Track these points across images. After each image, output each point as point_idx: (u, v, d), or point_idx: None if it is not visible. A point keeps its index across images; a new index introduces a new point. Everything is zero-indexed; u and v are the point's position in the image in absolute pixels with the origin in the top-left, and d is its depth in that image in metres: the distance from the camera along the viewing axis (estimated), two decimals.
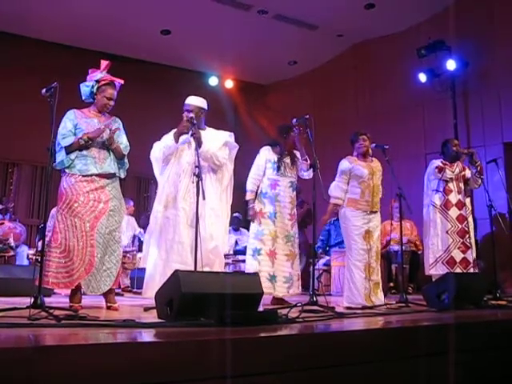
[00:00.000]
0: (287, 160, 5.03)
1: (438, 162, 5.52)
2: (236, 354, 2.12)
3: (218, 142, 4.40)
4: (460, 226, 5.37)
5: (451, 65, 8.35)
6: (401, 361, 2.67)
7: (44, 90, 3.35)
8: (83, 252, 3.75)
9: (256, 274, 3.31)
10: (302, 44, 9.46)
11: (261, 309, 3.39)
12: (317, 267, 6.87)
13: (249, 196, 5.02)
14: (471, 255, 5.35)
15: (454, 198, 5.44)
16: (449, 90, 8.52)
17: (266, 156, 5.05)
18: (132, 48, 9.40)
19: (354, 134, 5.00)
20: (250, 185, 5.04)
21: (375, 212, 4.83)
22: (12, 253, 6.91)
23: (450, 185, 5.47)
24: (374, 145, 5.01)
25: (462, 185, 5.51)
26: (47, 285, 3.68)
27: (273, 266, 4.81)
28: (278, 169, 4.96)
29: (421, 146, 8.72)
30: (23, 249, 7.09)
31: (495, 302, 4.92)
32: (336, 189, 4.82)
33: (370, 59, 9.57)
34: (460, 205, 5.42)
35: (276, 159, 5.00)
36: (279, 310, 3.15)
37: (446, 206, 5.41)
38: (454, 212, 5.41)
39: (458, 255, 5.32)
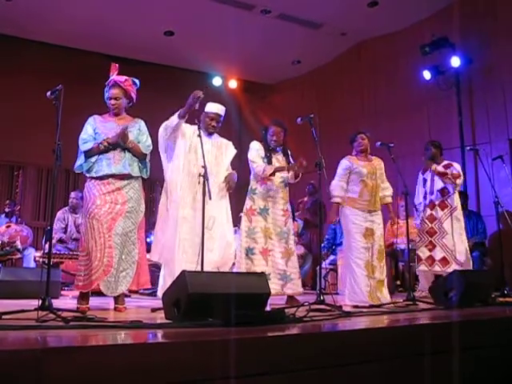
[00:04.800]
0: (278, 156, 4.92)
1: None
2: (243, 354, 2.12)
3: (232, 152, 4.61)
4: (429, 225, 5.65)
5: (455, 62, 8.32)
6: (409, 359, 2.67)
7: (49, 93, 3.35)
8: (101, 253, 3.78)
9: (263, 274, 3.30)
10: (306, 43, 9.46)
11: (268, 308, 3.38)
12: (323, 266, 6.86)
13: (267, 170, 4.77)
14: (437, 254, 5.60)
15: (426, 200, 5.77)
16: (453, 87, 8.49)
17: (257, 149, 4.88)
18: (136, 50, 9.41)
19: (352, 134, 5.06)
20: (260, 170, 4.77)
21: (375, 211, 4.84)
22: (19, 255, 6.93)
23: (426, 187, 5.80)
24: (379, 143, 5.02)
25: (436, 185, 5.72)
26: (77, 288, 3.86)
27: (267, 265, 4.66)
28: (269, 164, 4.80)
29: (425, 143, 8.69)
30: (30, 251, 7.10)
31: (503, 299, 4.92)
32: (336, 188, 4.86)
33: (374, 57, 9.55)
34: (431, 205, 5.70)
35: (264, 154, 4.86)
36: (286, 310, 3.15)
37: (423, 208, 5.77)
38: (426, 213, 5.73)
39: (423, 253, 5.64)
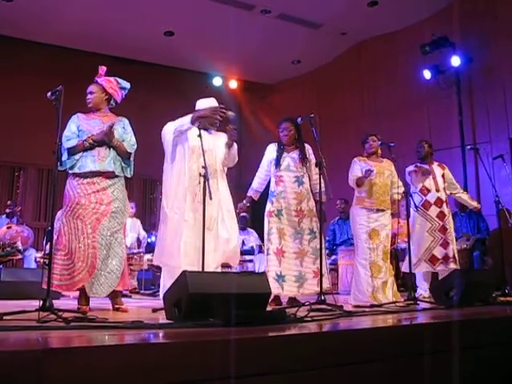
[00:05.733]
0: (293, 154, 4.90)
1: (411, 168, 5.79)
2: (244, 354, 2.12)
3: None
4: (441, 224, 5.56)
5: (455, 61, 8.33)
6: (410, 358, 2.67)
7: (49, 94, 3.35)
8: (85, 254, 3.73)
9: (264, 274, 3.31)
10: (306, 43, 9.47)
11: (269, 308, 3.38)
12: None
13: (249, 192, 5.05)
14: (451, 251, 5.57)
15: (431, 197, 5.65)
16: (453, 87, 8.50)
17: (269, 153, 4.98)
18: (135, 50, 9.43)
19: (364, 136, 5.12)
20: (253, 182, 5.06)
21: (383, 210, 4.86)
22: (20, 256, 6.94)
23: (427, 184, 5.69)
24: (379, 143, 5.04)
25: (441, 183, 5.70)
26: (51, 287, 3.70)
27: (279, 266, 4.66)
28: (277, 165, 4.85)
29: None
30: (31, 252, 7.11)
31: (504, 298, 4.91)
32: (353, 176, 4.90)
33: (374, 57, 9.56)
34: (439, 202, 5.62)
35: (274, 155, 4.90)
36: (287, 310, 3.15)
37: (424, 206, 5.60)
38: (433, 211, 5.60)
39: (439, 252, 5.54)
